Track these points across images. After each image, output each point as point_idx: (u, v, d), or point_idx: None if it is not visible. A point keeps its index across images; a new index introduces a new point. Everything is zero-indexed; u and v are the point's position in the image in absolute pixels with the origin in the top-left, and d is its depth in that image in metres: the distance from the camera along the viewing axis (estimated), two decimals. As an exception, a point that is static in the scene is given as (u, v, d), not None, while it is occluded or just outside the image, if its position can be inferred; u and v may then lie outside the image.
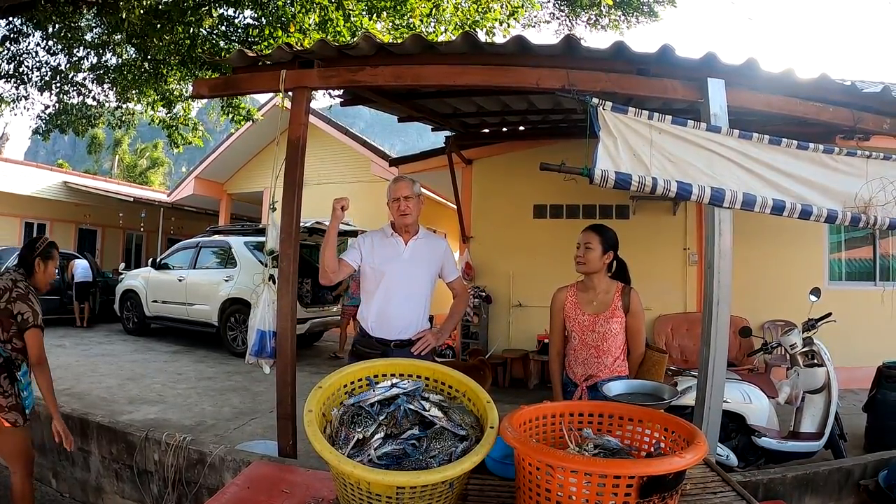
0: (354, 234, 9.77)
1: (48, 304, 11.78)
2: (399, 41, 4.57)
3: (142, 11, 5.52)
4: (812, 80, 3.70)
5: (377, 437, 1.68)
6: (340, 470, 1.51)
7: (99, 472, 4.23)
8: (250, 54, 3.97)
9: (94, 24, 8.08)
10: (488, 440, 1.65)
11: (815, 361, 4.74)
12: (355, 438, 1.65)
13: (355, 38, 4.27)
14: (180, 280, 10.62)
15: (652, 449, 1.83)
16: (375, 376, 1.95)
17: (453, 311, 3.66)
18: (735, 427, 4.60)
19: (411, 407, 1.78)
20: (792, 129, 5.34)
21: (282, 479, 2.55)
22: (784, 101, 3.76)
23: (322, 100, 9.21)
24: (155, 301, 11.02)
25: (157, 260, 11.51)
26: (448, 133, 7.70)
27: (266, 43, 6.74)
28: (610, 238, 3.21)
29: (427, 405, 1.78)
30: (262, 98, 15.97)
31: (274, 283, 3.73)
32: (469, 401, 1.92)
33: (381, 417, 1.74)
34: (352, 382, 1.94)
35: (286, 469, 2.78)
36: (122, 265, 14.35)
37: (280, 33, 6.55)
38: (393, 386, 1.84)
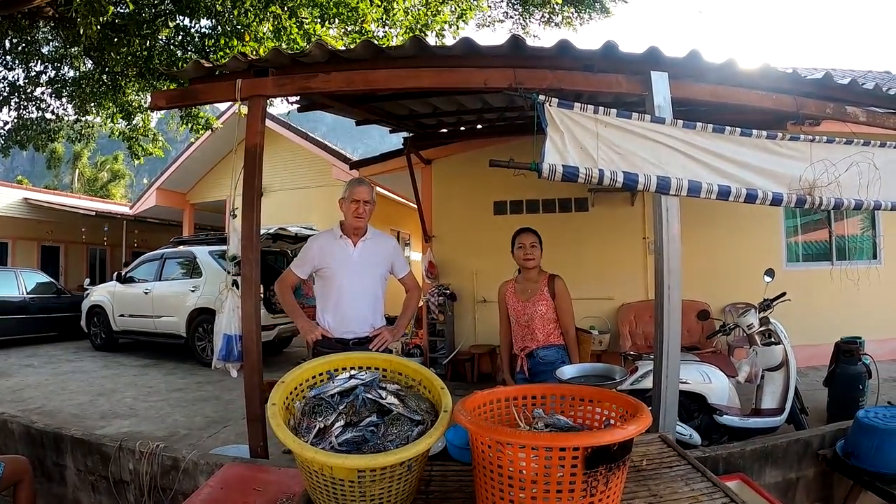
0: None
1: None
2: (352, 47, 4.62)
3: (99, 27, 5.49)
4: (755, 70, 3.85)
5: (338, 425, 1.76)
6: (303, 457, 1.59)
7: (75, 485, 4.20)
8: (206, 65, 3.97)
9: (50, 38, 7.98)
10: (442, 423, 1.75)
11: (773, 340, 4.89)
12: (317, 427, 1.73)
13: (308, 46, 4.32)
14: (146, 293, 10.45)
15: (602, 426, 1.92)
16: (335, 370, 2.03)
17: (406, 305, 3.85)
18: (697, 407, 4.72)
19: (369, 396, 1.87)
20: (743, 117, 5.46)
21: (254, 479, 2.62)
22: (728, 91, 3.91)
23: (280, 106, 9.27)
24: (122, 315, 10.84)
25: (122, 273, 11.30)
26: (406, 134, 7.74)
27: (222, 53, 6.73)
28: (539, 234, 3.90)
29: (384, 394, 1.88)
30: (221, 106, 15.90)
31: (237, 288, 3.78)
32: (425, 388, 2.02)
33: (342, 407, 1.83)
34: (313, 377, 2.02)
35: (258, 469, 2.84)
36: (87, 280, 14.09)
37: (235, 42, 6.56)
38: (351, 377, 1.93)
